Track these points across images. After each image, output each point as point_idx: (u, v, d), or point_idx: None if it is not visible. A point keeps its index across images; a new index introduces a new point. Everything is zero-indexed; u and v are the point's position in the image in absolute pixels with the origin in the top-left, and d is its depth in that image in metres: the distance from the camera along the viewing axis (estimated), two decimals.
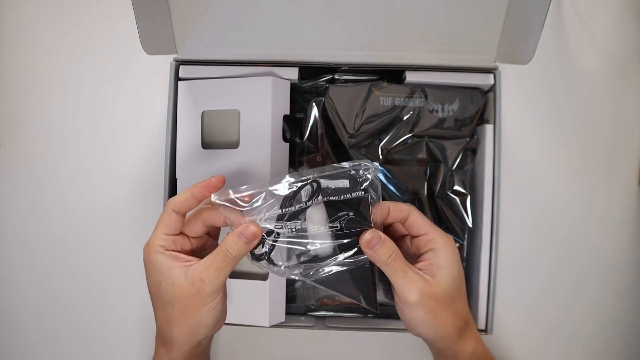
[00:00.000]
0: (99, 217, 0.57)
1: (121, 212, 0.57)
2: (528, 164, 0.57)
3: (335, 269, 0.38)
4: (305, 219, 0.37)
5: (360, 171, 0.37)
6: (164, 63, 0.48)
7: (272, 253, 0.38)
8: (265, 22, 0.46)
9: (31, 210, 0.57)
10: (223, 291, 0.38)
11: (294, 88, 0.49)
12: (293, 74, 0.48)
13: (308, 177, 0.37)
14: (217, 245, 0.38)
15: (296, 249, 0.38)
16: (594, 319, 0.57)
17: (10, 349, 0.57)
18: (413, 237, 0.40)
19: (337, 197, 0.37)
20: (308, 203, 0.37)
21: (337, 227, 0.37)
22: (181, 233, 0.40)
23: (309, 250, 0.38)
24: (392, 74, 0.50)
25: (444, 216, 0.51)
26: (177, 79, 0.48)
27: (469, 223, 0.51)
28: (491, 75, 0.48)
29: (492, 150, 0.48)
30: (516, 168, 0.56)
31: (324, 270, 0.38)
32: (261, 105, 0.46)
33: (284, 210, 0.37)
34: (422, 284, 0.37)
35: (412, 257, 0.40)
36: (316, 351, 0.56)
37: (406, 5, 0.45)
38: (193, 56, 0.48)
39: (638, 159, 0.57)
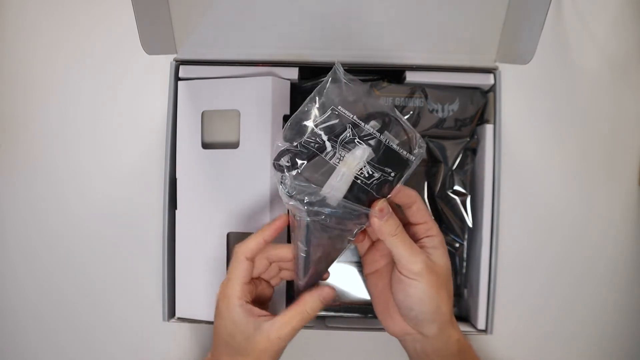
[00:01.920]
0: (99, 217, 0.57)
1: (121, 212, 0.57)
2: (528, 164, 0.57)
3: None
4: (342, 157, 0.36)
5: (415, 144, 0.37)
6: (164, 63, 0.48)
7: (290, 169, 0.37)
8: (265, 22, 0.46)
9: (31, 210, 0.57)
10: None
11: (294, 88, 0.49)
12: (293, 74, 0.48)
13: (386, 113, 0.37)
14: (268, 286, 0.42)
15: (308, 186, 0.36)
16: (594, 319, 0.57)
17: (9, 348, 0.57)
18: (412, 224, 0.41)
19: (385, 153, 0.37)
20: (364, 138, 0.36)
21: (365, 177, 0.36)
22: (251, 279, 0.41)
23: (319, 193, 0.36)
24: (392, 74, 0.50)
25: (444, 216, 0.51)
26: (177, 78, 0.48)
27: (469, 223, 0.51)
28: (491, 75, 0.48)
29: (492, 150, 0.48)
30: (516, 168, 0.56)
31: (321, 217, 0.37)
32: (261, 106, 0.46)
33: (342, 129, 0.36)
34: (424, 256, 0.38)
35: None
36: (316, 351, 0.56)
37: (406, 5, 0.45)
38: (193, 56, 0.48)
39: (638, 159, 0.57)
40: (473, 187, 0.51)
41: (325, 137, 0.36)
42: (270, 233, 0.40)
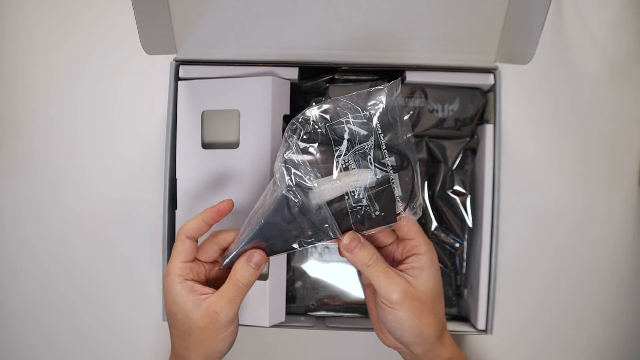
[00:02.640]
0: (99, 217, 0.57)
1: (121, 211, 0.57)
2: (528, 164, 0.57)
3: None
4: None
5: (414, 206, 0.38)
6: (164, 63, 0.48)
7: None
8: (265, 22, 0.46)
9: (31, 210, 0.57)
10: (236, 319, 0.39)
11: (294, 88, 0.49)
12: (293, 74, 0.48)
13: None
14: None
15: (304, 166, 0.36)
16: (594, 319, 0.57)
17: (9, 348, 0.57)
18: (400, 240, 0.40)
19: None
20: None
21: (353, 199, 0.36)
22: (195, 259, 0.40)
23: (307, 180, 0.36)
24: (392, 74, 0.50)
25: (444, 216, 0.51)
26: (177, 78, 0.48)
27: (469, 223, 0.51)
28: (491, 75, 0.48)
29: (492, 150, 0.48)
30: (516, 168, 0.56)
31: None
32: (261, 105, 0.46)
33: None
34: (404, 284, 0.37)
35: (394, 263, 0.40)
36: (316, 351, 0.56)
37: (406, 5, 0.45)
38: (193, 56, 0.48)
39: (638, 159, 0.57)
40: (473, 187, 0.51)
41: (347, 136, 0.36)
42: (211, 215, 0.39)
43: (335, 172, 0.36)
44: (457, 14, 0.45)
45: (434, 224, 0.50)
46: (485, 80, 0.48)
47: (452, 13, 0.45)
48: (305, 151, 0.36)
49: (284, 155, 0.36)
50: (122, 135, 0.57)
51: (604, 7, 0.58)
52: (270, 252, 0.38)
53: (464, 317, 0.52)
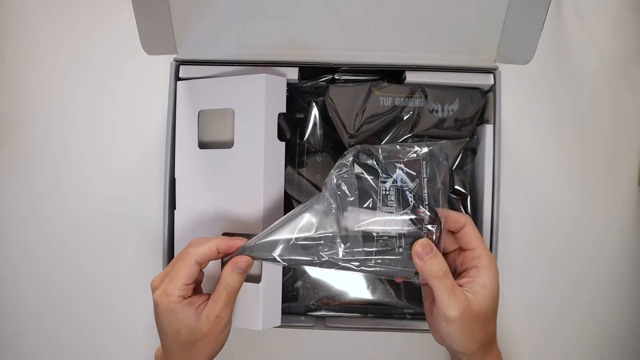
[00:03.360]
0: (99, 217, 0.57)
1: (121, 211, 0.57)
2: (528, 164, 0.57)
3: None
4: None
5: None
6: (164, 63, 0.48)
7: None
8: (265, 22, 0.46)
9: (31, 209, 0.57)
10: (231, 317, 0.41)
11: (294, 88, 0.49)
12: (293, 74, 0.48)
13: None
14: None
15: (351, 184, 0.39)
16: (593, 319, 0.57)
17: (10, 348, 0.57)
18: (461, 250, 0.40)
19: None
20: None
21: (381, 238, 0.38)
22: None
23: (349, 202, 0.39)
24: (392, 74, 0.50)
25: None
26: (177, 79, 0.48)
27: None
28: (491, 75, 0.48)
29: (492, 150, 0.48)
30: (516, 168, 0.56)
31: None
32: (255, 104, 0.45)
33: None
34: (464, 303, 0.37)
35: (455, 273, 0.40)
36: (316, 351, 0.56)
37: (406, 5, 0.45)
38: (193, 56, 0.48)
39: (638, 159, 0.57)
40: (473, 187, 0.51)
41: (395, 177, 0.38)
42: (225, 247, 0.40)
43: (377, 210, 0.38)
44: (457, 14, 0.45)
45: None
46: (485, 80, 0.48)
47: (452, 13, 0.45)
48: (358, 177, 0.39)
49: (338, 173, 0.39)
50: (122, 135, 0.57)
51: (604, 7, 0.58)
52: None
53: None
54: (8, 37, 0.58)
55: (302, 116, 0.50)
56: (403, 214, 0.38)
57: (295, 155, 0.51)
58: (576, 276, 0.57)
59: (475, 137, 0.50)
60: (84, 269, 0.57)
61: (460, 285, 0.38)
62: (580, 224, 0.57)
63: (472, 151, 0.51)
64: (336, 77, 0.50)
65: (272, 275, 0.46)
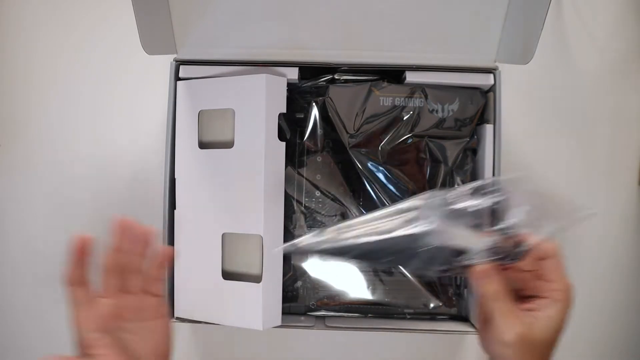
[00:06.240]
0: (99, 217, 0.57)
1: (121, 211, 0.56)
2: (528, 164, 0.57)
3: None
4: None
5: None
6: (164, 63, 0.48)
7: None
8: (265, 22, 0.46)
9: (31, 209, 0.57)
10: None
11: (294, 88, 0.49)
12: (293, 74, 0.48)
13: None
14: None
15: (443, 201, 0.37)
16: (593, 319, 0.57)
17: (10, 347, 0.57)
18: (538, 276, 0.39)
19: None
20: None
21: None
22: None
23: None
24: (392, 74, 0.50)
25: None
26: (177, 78, 0.48)
27: None
28: (491, 75, 0.48)
29: (492, 150, 0.48)
30: (516, 168, 0.56)
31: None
32: (255, 104, 0.45)
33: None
34: (523, 329, 0.36)
35: (522, 293, 0.39)
36: (316, 351, 0.56)
37: (406, 5, 0.45)
38: (193, 56, 0.48)
39: (638, 159, 0.57)
40: None
41: (510, 220, 0.37)
42: (74, 256, 0.38)
43: (480, 234, 0.37)
44: (458, 14, 0.45)
45: None
46: (485, 80, 0.48)
47: (453, 13, 0.45)
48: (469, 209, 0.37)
49: (451, 199, 0.37)
50: (122, 135, 0.57)
51: (604, 7, 0.58)
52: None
53: (464, 317, 0.52)
54: (8, 37, 0.58)
55: (302, 116, 0.50)
56: (496, 234, 0.37)
57: (295, 155, 0.51)
58: (576, 276, 0.56)
59: (475, 137, 0.50)
60: None
61: (527, 310, 0.37)
62: (580, 224, 0.57)
63: (472, 151, 0.51)
64: (336, 77, 0.50)
65: (272, 275, 0.46)
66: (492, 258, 0.37)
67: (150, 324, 0.42)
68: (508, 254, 0.37)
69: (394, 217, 0.38)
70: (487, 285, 0.37)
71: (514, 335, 0.36)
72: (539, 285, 0.38)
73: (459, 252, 0.37)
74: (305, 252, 0.38)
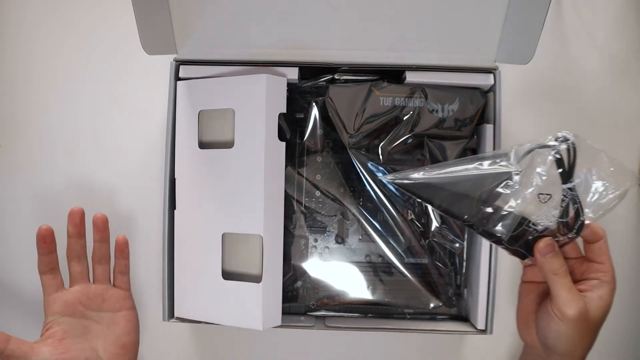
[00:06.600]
0: None
1: (121, 211, 0.57)
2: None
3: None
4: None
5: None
6: (164, 63, 0.48)
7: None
8: (265, 22, 0.46)
9: (31, 209, 0.57)
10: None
11: (294, 88, 0.49)
12: (293, 74, 0.48)
13: None
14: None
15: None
16: None
17: None
18: (588, 260, 0.40)
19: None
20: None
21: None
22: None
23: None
24: (392, 74, 0.50)
25: (445, 216, 0.51)
26: (177, 79, 0.48)
27: None
28: (491, 75, 0.48)
29: (492, 150, 0.48)
30: None
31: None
32: (255, 104, 0.45)
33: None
34: (582, 304, 0.38)
35: (573, 279, 0.40)
36: (316, 351, 0.56)
37: (406, 5, 0.45)
38: (193, 56, 0.48)
39: (638, 159, 0.57)
40: None
41: (577, 180, 0.39)
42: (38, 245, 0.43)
43: (550, 200, 0.38)
44: (457, 14, 0.45)
45: (435, 224, 0.50)
46: (485, 80, 0.48)
47: (452, 13, 0.45)
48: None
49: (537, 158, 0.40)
50: (122, 135, 0.57)
51: (604, 7, 0.58)
52: (437, 203, 0.41)
53: (464, 317, 0.52)
54: (8, 37, 0.58)
55: (302, 116, 0.50)
56: (558, 209, 0.38)
57: (295, 155, 0.51)
58: None
59: (475, 137, 0.50)
60: None
61: (579, 291, 0.39)
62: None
63: (472, 151, 0.51)
64: (336, 77, 0.50)
65: (272, 275, 0.46)
66: (556, 231, 0.38)
67: (114, 315, 0.45)
68: (570, 229, 0.38)
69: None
70: (553, 259, 0.38)
71: (577, 310, 0.37)
72: (588, 268, 0.40)
73: (527, 223, 0.39)
74: (414, 187, 0.41)
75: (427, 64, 0.48)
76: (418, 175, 0.41)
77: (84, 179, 0.57)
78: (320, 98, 0.49)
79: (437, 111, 0.49)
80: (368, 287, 0.51)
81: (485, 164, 0.40)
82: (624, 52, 0.58)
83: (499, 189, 0.39)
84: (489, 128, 0.49)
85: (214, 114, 0.48)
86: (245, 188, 0.45)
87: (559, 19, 0.57)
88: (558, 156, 0.39)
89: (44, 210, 0.57)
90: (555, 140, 0.40)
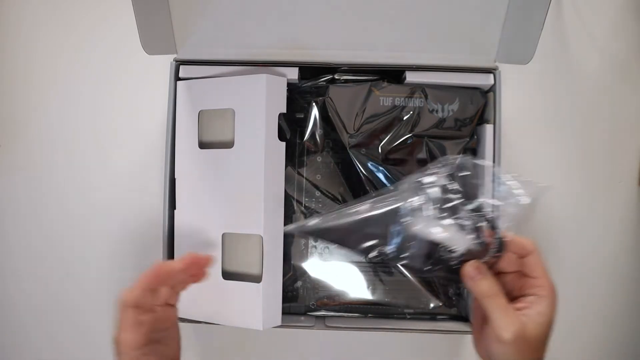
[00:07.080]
0: (99, 217, 0.57)
1: (121, 211, 0.57)
2: (528, 164, 0.57)
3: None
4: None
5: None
6: (164, 63, 0.48)
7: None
8: (265, 22, 0.46)
9: (31, 209, 0.57)
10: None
11: (294, 88, 0.49)
12: (293, 74, 0.48)
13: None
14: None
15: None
16: (593, 319, 0.57)
17: (11, 347, 0.57)
18: (522, 275, 0.39)
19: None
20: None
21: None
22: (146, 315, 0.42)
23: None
24: (392, 74, 0.50)
25: None
26: (177, 79, 0.48)
27: None
28: (491, 75, 0.48)
29: (492, 150, 0.48)
30: (516, 168, 0.56)
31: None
32: (255, 104, 0.45)
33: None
34: (518, 326, 0.36)
35: (510, 296, 0.39)
36: (316, 351, 0.56)
37: (406, 5, 0.45)
38: (193, 56, 0.48)
39: (638, 159, 0.57)
40: None
41: (480, 199, 0.37)
42: (151, 281, 0.39)
43: (447, 221, 0.37)
44: (457, 14, 0.45)
45: None
46: (485, 80, 0.48)
47: (452, 13, 0.45)
48: (443, 189, 0.37)
49: (426, 180, 0.37)
50: (122, 135, 0.57)
51: (604, 7, 0.58)
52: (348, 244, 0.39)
53: (464, 317, 0.52)
54: (8, 37, 0.58)
55: (302, 116, 0.50)
56: (471, 232, 0.37)
57: (295, 155, 0.51)
58: (576, 276, 0.57)
59: (475, 137, 0.50)
60: (84, 268, 0.57)
61: (517, 309, 0.38)
62: (580, 224, 0.57)
63: (472, 151, 0.51)
64: (336, 77, 0.50)
65: (272, 275, 0.46)
66: (478, 253, 0.37)
67: (170, 332, 0.43)
68: (491, 248, 0.37)
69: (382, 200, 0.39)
70: (482, 282, 0.37)
71: (513, 333, 0.36)
72: (524, 284, 0.39)
73: (442, 250, 0.37)
74: (308, 233, 0.39)
75: (427, 64, 0.48)
76: (314, 222, 0.39)
77: (84, 178, 0.57)
78: (320, 98, 0.49)
79: (437, 111, 0.49)
80: (368, 287, 0.51)
81: (381, 202, 0.39)
82: (624, 52, 0.58)
83: (401, 220, 0.38)
84: (489, 128, 0.49)
85: (214, 114, 0.48)
86: (245, 188, 0.45)
87: (559, 19, 0.57)
88: (450, 182, 0.38)
89: (43, 210, 0.57)
90: (443, 166, 0.38)
